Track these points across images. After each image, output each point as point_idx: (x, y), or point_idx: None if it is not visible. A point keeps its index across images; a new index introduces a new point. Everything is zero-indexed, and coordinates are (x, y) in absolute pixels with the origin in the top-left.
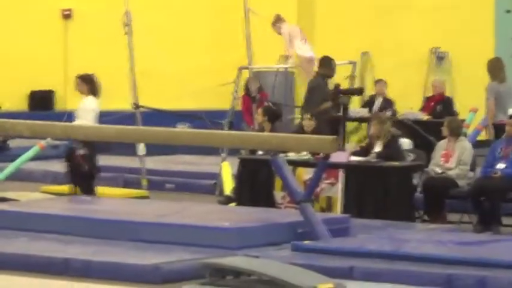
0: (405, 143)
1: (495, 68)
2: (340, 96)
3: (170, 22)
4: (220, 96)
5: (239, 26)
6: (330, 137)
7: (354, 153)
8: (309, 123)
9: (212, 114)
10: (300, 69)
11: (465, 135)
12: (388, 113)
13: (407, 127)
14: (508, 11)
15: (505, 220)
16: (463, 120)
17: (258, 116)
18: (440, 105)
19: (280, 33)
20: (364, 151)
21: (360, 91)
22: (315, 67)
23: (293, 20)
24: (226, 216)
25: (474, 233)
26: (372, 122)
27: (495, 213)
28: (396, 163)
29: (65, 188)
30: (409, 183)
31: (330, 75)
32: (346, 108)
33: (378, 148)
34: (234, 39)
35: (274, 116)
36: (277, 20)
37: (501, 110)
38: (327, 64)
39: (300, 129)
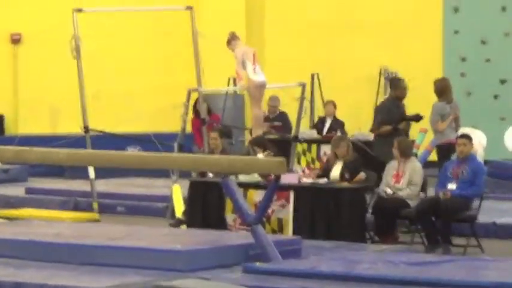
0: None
1: (444, 88)
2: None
3: (120, 44)
4: (170, 118)
5: (189, 47)
6: (279, 159)
7: (318, 176)
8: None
9: (162, 137)
10: (248, 93)
11: (416, 155)
12: (338, 134)
13: (358, 148)
14: (456, 32)
15: (455, 240)
16: (413, 141)
17: (213, 139)
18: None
19: (233, 51)
20: (324, 172)
21: (419, 118)
22: (264, 92)
23: (242, 41)
24: (177, 238)
25: (425, 253)
26: (339, 143)
27: (445, 233)
28: (346, 184)
29: (16, 212)
30: (360, 204)
31: (402, 97)
32: (407, 134)
33: (337, 169)
34: (184, 60)
35: (226, 138)
36: (233, 38)
37: (450, 129)
38: (397, 86)
39: (252, 151)
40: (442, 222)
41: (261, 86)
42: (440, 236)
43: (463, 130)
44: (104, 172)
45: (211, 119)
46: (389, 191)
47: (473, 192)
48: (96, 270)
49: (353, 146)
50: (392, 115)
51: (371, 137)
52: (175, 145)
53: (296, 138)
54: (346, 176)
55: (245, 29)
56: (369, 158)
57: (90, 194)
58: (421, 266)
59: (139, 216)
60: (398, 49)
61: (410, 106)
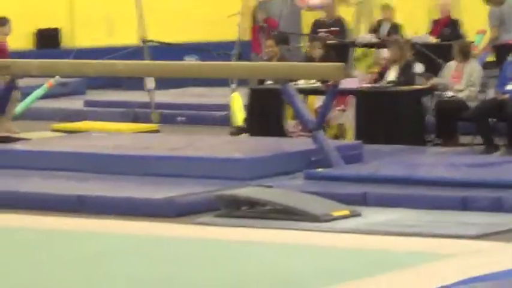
0: (418, 67)
1: None
2: None
3: None
4: (227, 27)
5: None
6: (339, 64)
7: (375, 80)
8: (317, 52)
9: (220, 46)
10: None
11: (474, 56)
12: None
13: (417, 51)
14: None
15: None
16: (471, 42)
17: (270, 46)
18: (447, 28)
19: None
20: (380, 77)
21: None
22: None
23: None
24: (238, 146)
25: (485, 154)
26: (390, 46)
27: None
28: (406, 87)
29: (75, 125)
30: (420, 107)
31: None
32: None
33: (392, 73)
34: None
35: (283, 45)
36: None
37: (505, 30)
38: None
39: (309, 58)
40: (507, 124)
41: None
42: (507, 138)
43: None
44: (162, 83)
45: (269, 25)
46: (450, 93)
47: None
48: (157, 181)
49: (413, 49)
50: None
51: (430, 39)
52: (233, 53)
53: (354, 43)
54: (401, 79)
55: None
56: (428, 60)
57: (149, 105)
58: (483, 168)
59: (199, 126)
60: None
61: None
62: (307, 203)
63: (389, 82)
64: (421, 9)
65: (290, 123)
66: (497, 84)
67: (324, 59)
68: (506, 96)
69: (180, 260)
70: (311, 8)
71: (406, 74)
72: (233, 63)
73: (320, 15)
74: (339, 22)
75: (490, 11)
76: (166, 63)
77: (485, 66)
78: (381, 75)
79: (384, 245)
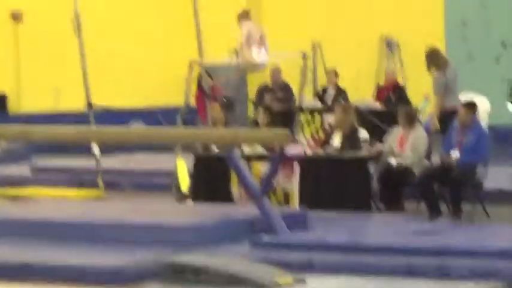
0: (362, 133)
1: (432, 59)
2: None
3: (121, 18)
4: (173, 92)
5: (190, 19)
6: (283, 130)
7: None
8: (262, 117)
9: (165, 111)
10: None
11: (419, 121)
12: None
13: (362, 116)
14: None
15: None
16: (416, 108)
17: (216, 111)
18: (393, 94)
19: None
20: (325, 142)
21: None
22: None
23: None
24: (183, 213)
25: (428, 221)
26: (335, 111)
27: (455, 201)
28: (351, 154)
29: (21, 191)
30: (365, 173)
31: None
32: None
33: (337, 138)
34: (185, 33)
35: (229, 111)
36: (244, 16)
37: (450, 95)
38: None
39: (254, 123)
40: (450, 190)
41: (256, 66)
42: (451, 204)
43: (465, 95)
44: (107, 148)
45: (214, 91)
46: (394, 161)
47: (478, 158)
48: (104, 247)
49: (358, 115)
50: None
51: (375, 104)
52: (179, 119)
53: (300, 109)
54: (345, 145)
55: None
56: (372, 126)
57: (95, 171)
58: (428, 234)
59: (144, 192)
60: (399, 15)
61: (412, 71)
62: (252, 270)
63: (334, 148)
64: (366, 74)
65: (236, 190)
66: (442, 150)
67: (269, 124)
68: (453, 157)
69: None
70: (256, 67)
71: (351, 140)
72: (178, 128)
73: (265, 79)
74: (285, 87)
75: (434, 77)
76: (113, 129)
77: (429, 132)
78: (326, 140)
79: None
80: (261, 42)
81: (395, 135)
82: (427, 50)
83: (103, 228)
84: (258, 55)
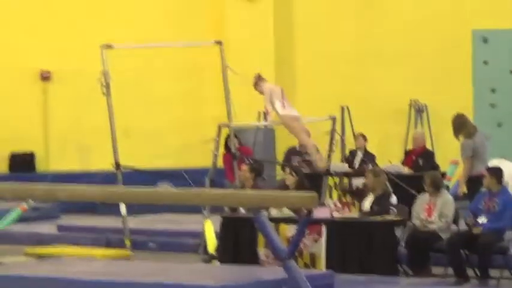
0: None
1: (460, 125)
2: None
3: (149, 79)
4: (200, 153)
5: (218, 81)
6: (310, 193)
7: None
8: (290, 179)
9: (193, 172)
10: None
11: (447, 187)
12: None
13: (390, 181)
14: (485, 62)
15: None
16: (444, 174)
17: (244, 173)
18: (421, 158)
19: (261, 92)
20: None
21: None
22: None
23: (271, 77)
24: (210, 274)
25: (456, 286)
26: (366, 175)
27: (483, 267)
28: (379, 218)
29: (48, 249)
30: (392, 237)
31: None
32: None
33: (367, 202)
34: (213, 95)
35: (257, 173)
36: (259, 79)
37: (478, 161)
38: None
39: (283, 186)
40: (478, 256)
41: (296, 119)
42: (478, 270)
43: (492, 162)
44: (135, 208)
45: (242, 153)
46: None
47: (504, 224)
48: None
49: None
50: None
51: (403, 169)
52: (207, 180)
53: (327, 172)
54: (375, 209)
55: (274, 63)
56: (401, 191)
57: (122, 230)
58: None
59: (171, 253)
60: (428, 81)
61: (441, 139)
62: None
63: (364, 212)
64: (394, 138)
65: (262, 251)
66: (469, 213)
67: (297, 187)
68: (480, 228)
69: None
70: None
71: (382, 204)
72: (205, 190)
73: (293, 142)
74: None
75: (462, 142)
76: (140, 189)
77: (457, 197)
78: (353, 203)
79: None
80: (283, 96)
81: (422, 200)
82: (454, 117)
83: None
84: (283, 108)
